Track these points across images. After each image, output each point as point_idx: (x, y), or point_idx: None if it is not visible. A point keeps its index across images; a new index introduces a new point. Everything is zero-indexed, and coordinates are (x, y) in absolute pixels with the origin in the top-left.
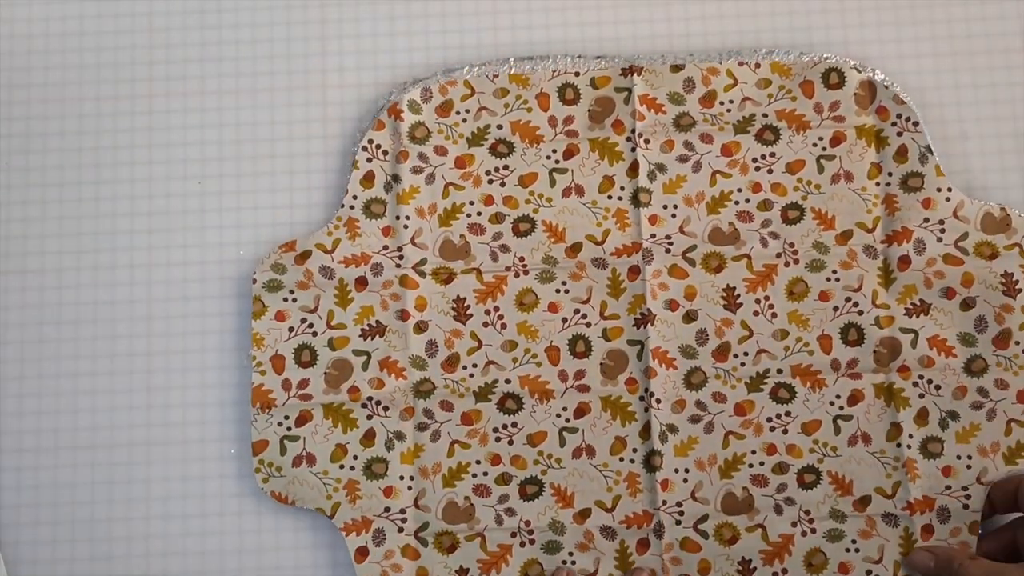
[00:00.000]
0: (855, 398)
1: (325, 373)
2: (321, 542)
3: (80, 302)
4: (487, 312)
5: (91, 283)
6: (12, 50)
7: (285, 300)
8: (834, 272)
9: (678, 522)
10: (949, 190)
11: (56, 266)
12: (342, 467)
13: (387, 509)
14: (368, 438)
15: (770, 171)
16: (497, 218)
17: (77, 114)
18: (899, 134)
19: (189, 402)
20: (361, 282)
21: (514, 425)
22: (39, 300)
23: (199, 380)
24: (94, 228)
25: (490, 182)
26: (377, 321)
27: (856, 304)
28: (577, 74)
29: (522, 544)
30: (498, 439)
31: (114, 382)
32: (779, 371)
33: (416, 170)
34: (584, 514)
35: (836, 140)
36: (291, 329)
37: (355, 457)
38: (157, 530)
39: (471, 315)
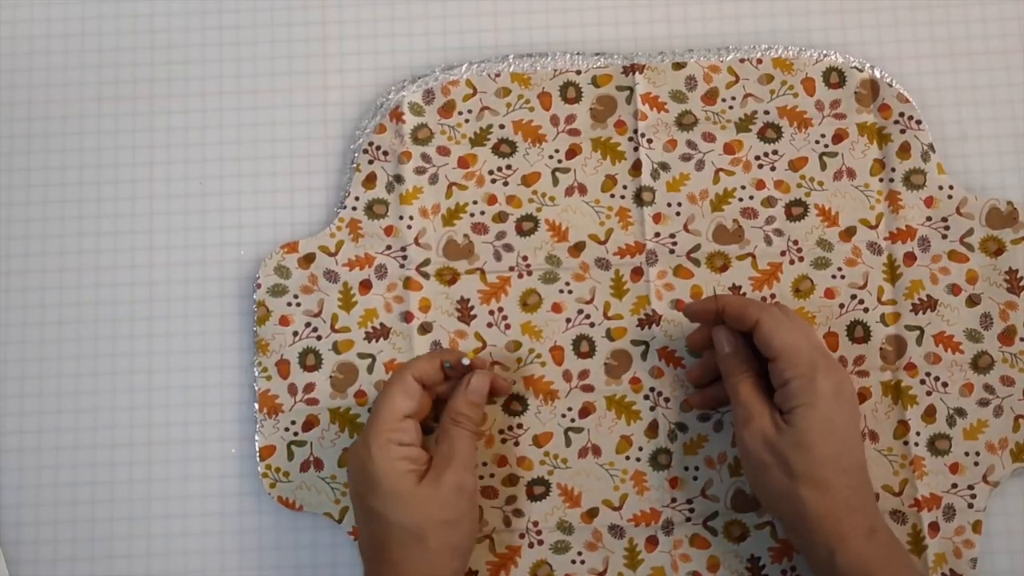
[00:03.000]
0: (863, 396)
1: (331, 377)
2: (322, 542)
3: (81, 302)
4: (491, 313)
5: (92, 283)
6: (12, 50)
7: (289, 304)
8: (839, 269)
9: (688, 519)
10: (951, 188)
11: (57, 266)
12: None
13: None
14: None
15: (773, 168)
16: (500, 217)
17: (78, 114)
18: (902, 131)
19: (190, 402)
20: (365, 285)
21: (520, 426)
22: (40, 300)
23: (200, 380)
24: (95, 228)
25: (493, 182)
26: (381, 323)
27: (862, 301)
28: (579, 72)
29: (530, 545)
30: (504, 440)
31: (115, 382)
32: None
33: (419, 170)
34: (592, 513)
35: (838, 137)
36: (295, 333)
37: None
38: (158, 530)
39: (475, 316)
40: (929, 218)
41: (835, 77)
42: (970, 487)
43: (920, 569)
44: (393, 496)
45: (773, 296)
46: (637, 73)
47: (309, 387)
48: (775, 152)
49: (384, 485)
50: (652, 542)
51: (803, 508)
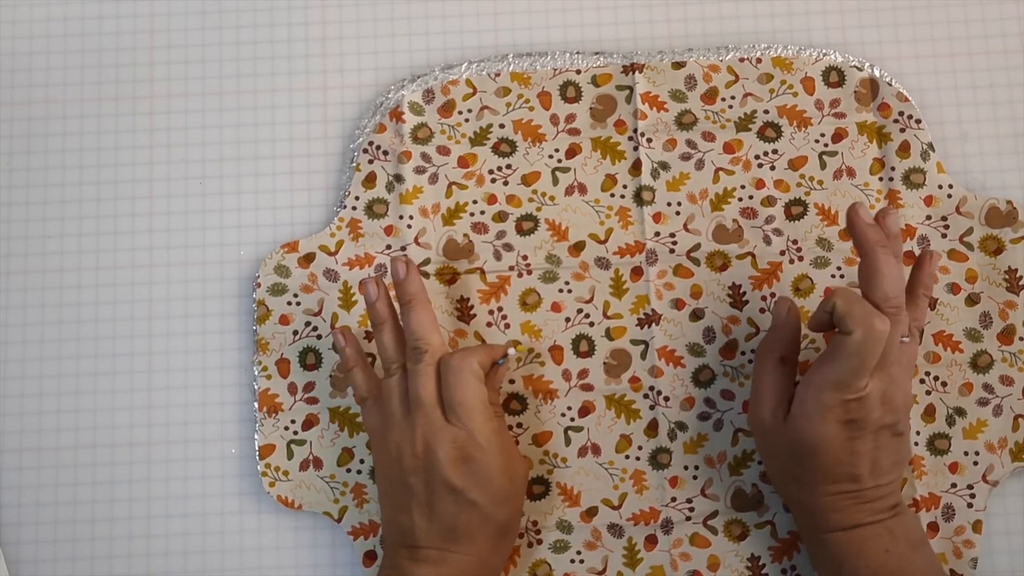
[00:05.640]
0: None
1: (331, 376)
2: (322, 541)
3: (81, 302)
4: (491, 312)
5: (92, 283)
6: (12, 50)
7: (289, 304)
8: (839, 268)
9: (687, 518)
10: (951, 187)
11: (57, 266)
12: (349, 471)
13: None
14: None
15: (772, 167)
16: (500, 216)
17: (78, 114)
18: (901, 130)
19: (190, 402)
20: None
21: (519, 426)
22: (40, 300)
23: (200, 380)
24: (95, 228)
25: (493, 181)
26: None
27: None
28: (578, 72)
29: (529, 544)
30: None
31: (115, 382)
32: None
33: (419, 170)
34: (591, 512)
35: (838, 136)
36: (295, 332)
37: (362, 461)
38: (158, 529)
39: (475, 315)
40: (929, 217)
41: (834, 76)
42: (969, 487)
43: (902, 551)
44: (500, 491)
45: (773, 295)
46: (637, 72)
47: (309, 386)
48: (775, 151)
49: (496, 481)
50: (651, 541)
51: (788, 498)
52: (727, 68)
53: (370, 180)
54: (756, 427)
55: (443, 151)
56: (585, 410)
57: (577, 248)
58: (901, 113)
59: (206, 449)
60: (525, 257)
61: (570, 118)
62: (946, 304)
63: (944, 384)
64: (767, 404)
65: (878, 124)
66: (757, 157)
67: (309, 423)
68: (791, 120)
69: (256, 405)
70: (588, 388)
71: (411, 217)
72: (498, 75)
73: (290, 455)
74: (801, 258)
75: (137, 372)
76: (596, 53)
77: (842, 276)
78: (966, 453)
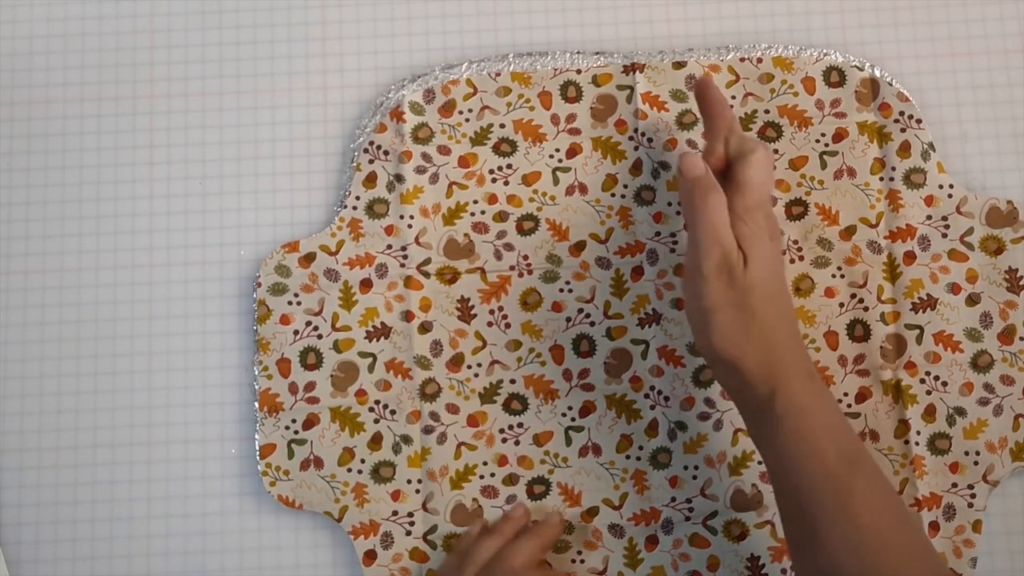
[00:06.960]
0: (863, 395)
1: (331, 376)
2: (322, 541)
3: (81, 302)
4: (491, 312)
5: (92, 283)
6: (13, 50)
7: (289, 303)
8: (839, 268)
9: (687, 518)
10: (951, 187)
11: (57, 266)
12: (350, 471)
13: (395, 513)
14: (375, 442)
15: (773, 167)
16: (501, 216)
17: (78, 114)
18: (902, 130)
19: (190, 402)
20: (366, 284)
21: (520, 426)
22: (40, 300)
23: (200, 380)
24: (95, 228)
25: (494, 181)
26: (382, 323)
27: (861, 300)
28: (579, 72)
29: None
30: (504, 440)
31: (115, 382)
32: None
33: (420, 170)
34: (592, 512)
35: (838, 136)
36: (296, 332)
37: (363, 461)
38: (158, 529)
39: (475, 315)
40: (929, 217)
41: (835, 76)
42: (970, 487)
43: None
44: None
45: None
46: (637, 72)
47: (310, 386)
48: (775, 151)
49: None
50: (652, 541)
51: (748, 347)
52: (728, 68)
53: (371, 180)
54: (716, 282)
55: (444, 151)
56: (586, 410)
57: (578, 248)
58: (902, 113)
59: (206, 449)
60: (526, 257)
61: (571, 118)
62: (946, 304)
63: (944, 384)
64: (733, 249)
65: (879, 124)
66: None
67: (310, 423)
68: (792, 120)
69: (256, 405)
70: (589, 388)
71: (412, 217)
72: (498, 75)
73: (291, 455)
74: (802, 258)
75: (137, 372)
76: (596, 53)
77: (842, 276)
78: (967, 453)
